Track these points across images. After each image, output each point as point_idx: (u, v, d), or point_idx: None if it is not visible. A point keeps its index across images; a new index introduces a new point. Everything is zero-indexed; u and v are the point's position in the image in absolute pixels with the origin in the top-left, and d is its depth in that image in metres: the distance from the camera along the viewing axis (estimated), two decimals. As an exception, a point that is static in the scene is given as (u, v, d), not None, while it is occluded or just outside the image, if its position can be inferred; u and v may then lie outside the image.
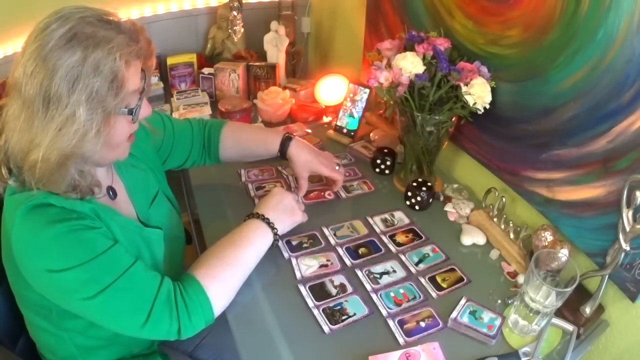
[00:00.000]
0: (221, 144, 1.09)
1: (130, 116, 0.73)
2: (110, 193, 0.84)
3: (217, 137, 1.09)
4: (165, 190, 1.02)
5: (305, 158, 1.08)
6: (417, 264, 0.97)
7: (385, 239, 1.04)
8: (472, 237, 1.04)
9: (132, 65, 0.69)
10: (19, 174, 0.70)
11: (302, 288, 0.90)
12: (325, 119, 1.55)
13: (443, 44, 1.06)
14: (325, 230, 1.05)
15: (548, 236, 0.91)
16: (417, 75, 1.03)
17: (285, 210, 0.95)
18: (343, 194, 1.18)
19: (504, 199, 1.03)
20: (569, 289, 0.76)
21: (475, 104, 1.00)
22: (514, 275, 0.97)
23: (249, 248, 0.86)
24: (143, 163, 0.95)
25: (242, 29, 1.78)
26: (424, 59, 1.05)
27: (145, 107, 0.77)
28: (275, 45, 1.66)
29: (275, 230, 0.91)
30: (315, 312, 0.85)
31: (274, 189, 0.97)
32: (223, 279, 0.79)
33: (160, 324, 0.72)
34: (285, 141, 1.08)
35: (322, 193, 1.17)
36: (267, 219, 0.91)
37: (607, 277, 0.83)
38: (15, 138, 0.67)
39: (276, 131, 1.15)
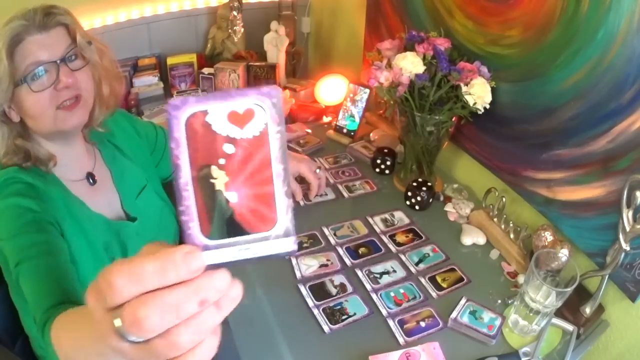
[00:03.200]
0: None
1: (26, 85, 0.75)
2: (90, 180, 0.87)
3: None
4: (156, 187, 1.04)
5: (296, 158, 1.09)
6: (417, 264, 0.97)
7: (385, 239, 1.04)
8: (472, 237, 1.04)
9: (26, 41, 0.74)
10: None
11: (302, 288, 0.90)
12: (325, 119, 1.55)
13: (443, 44, 1.06)
14: (325, 230, 1.05)
15: (548, 236, 0.91)
16: (417, 75, 1.03)
17: None
18: (346, 194, 1.18)
19: (504, 199, 1.03)
20: (569, 289, 0.76)
21: (475, 104, 1.00)
22: (514, 275, 0.97)
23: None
24: (131, 159, 0.98)
25: (242, 29, 1.78)
26: (424, 59, 1.05)
27: (65, 74, 0.77)
28: (275, 45, 1.66)
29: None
30: (315, 311, 0.85)
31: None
32: None
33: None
34: None
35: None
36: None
37: (607, 277, 0.83)
38: None
39: None
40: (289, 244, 0.32)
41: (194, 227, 0.31)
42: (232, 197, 0.31)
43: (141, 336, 0.29)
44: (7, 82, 0.73)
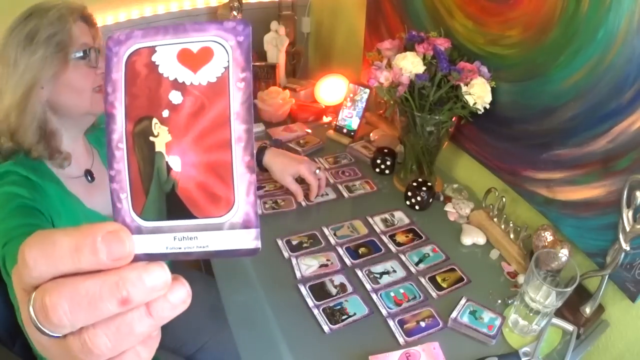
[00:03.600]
0: None
1: (87, 59, 0.84)
2: (88, 177, 0.90)
3: None
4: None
5: (282, 161, 1.08)
6: (417, 264, 0.97)
7: (385, 239, 1.04)
8: (472, 237, 1.04)
9: (77, 23, 0.84)
10: (6, 150, 0.80)
11: (302, 288, 0.90)
12: (325, 119, 1.55)
13: (443, 44, 1.06)
14: (325, 230, 1.05)
15: (548, 236, 0.91)
16: (417, 75, 1.03)
17: None
18: (346, 194, 1.18)
19: (504, 199, 1.03)
20: (569, 289, 0.76)
21: (475, 104, 1.00)
22: (514, 275, 0.97)
23: None
24: None
25: (242, 29, 1.78)
26: (424, 59, 1.05)
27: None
28: (275, 45, 1.66)
29: None
30: (315, 311, 0.85)
31: None
32: None
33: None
34: (260, 150, 1.08)
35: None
36: None
37: (607, 277, 0.82)
38: None
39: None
40: (249, 239, 0.24)
41: (124, 200, 0.25)
42: (175, 163, 0.24)
43: (51, 329, 0.23)
44: (62, 49, 0.80)
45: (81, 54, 0.84)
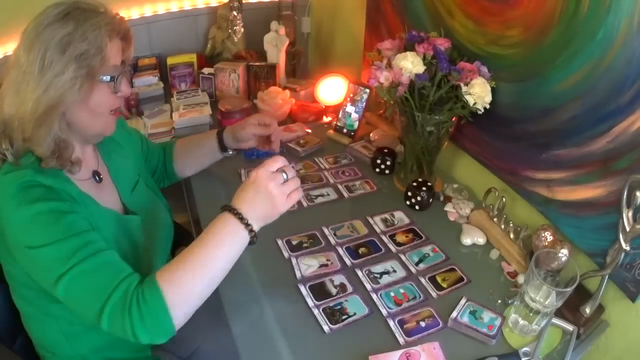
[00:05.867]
0: (174, 153, 1.17)
1: (112, 84, 0.81)
2: (96, 177, 0.88)
3: (171, 149, 1.17)
4: (148, 182, 1.06)
5: (240, 124, 1.13)
6: (417, 264, 0.97)
7: (385, 239, 1.04)
8: (472, 237, 1.04)
9: (114, 41, 0.80)
10: (17, 149, 0.76)
11: (302, 288, 0.90)
12: (325, 119, 1.55)
13: (443, 44, 1.06)
14: (325, 230, 1.05)
15: (548, 236, 0.91)
16: (417, 75, 1.03)
17: (263, 203, 0.76)
18: (346, 194, 1.18)
19: (504, 199, 1.03)
20: (569, 289, 0.76)
21: (475, 104, 1.00)
22: (514, 275, 0.97)
23: (217, 251, 0.74)
24: (127, 152, 1.01)
25: (242, 29, 1.78)
26: (424, 59, 1.05)
27: (126, 84, 0.85)
28: (275, 45, 1.66)
29: (250, 227, 0.75)
30: (315, 311, 0.85)
31: (252, 174, 0.78)
32: (184, 284, 0.71)
33: (114, 319, 0.70)
34: (220, 131, 1.15)
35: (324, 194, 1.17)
36: (240, 213, 0.75)
37: (607, 277, 0.83)
38: (9, 101, 0.75)
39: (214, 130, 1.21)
40: None
41: None
42: None
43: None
44: (93, 73, 0.76)
45: (108, 79, 0.80)
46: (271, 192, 0.75)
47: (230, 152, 1.16)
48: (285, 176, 0.77)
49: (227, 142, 1.14)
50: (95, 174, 0.89)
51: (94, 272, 0.71)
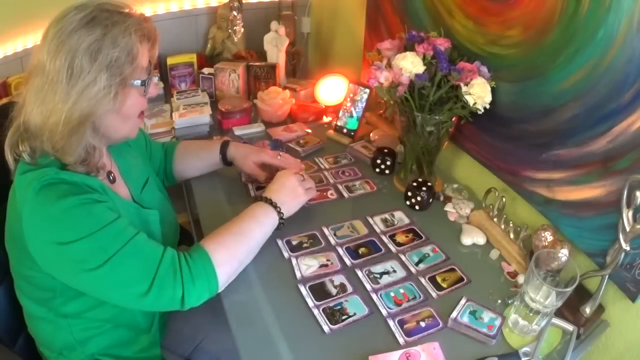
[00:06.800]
0: (175, 156, 1.17)
1: (143, 88, 0.80)
2: (110, 177, 0.88)
3: (172, 153, 1.17)
4: (156, 180, 1.07)
5: (245, 151, 1.13)
6: (417, 264, 0.97)
7: (385, 239, 1.04)
8: (472, 237, 1.04)
9: (143, 44, 0.78)
10: (33, 150, 0.74)
11: (302, 288, 0.90)
12: (325, 119, 1.55)
13: (443, 44, 1.06)
14: (325, 230, 1.05)
15: (548, 236, 0.91)
16: (417, 75, 1.03)
17: (289, 193, 0.97)
18: (346, 194, 1.18)
19: (504, 199, 1.03)
20: (569, 289, 0.76)
21: (475, 104, 1.00)
22: (514, 275, 0.97)
23: (253, 224, 0.89)
24: (135, 152, 1.01)
25: (242, 29, 1.78)
26: (424, 59, 1.05)
27: (153, 86, 0.85)
28: (275, 45, 1.66)
29: (279, 209, 0.94)
30: (315, 312, 0.85)
31: (279, 173, 1.01)
32: (228, 246, 0.83)
33: (163, 290, 0.73)
34: (224, 144, 1.14)
35: (325, 193, 1.17)
36: (270, 199, 0.94)
37: (607, 277, 0.83)
38: (36, 110, 0.72)
39: (218, 140, 1.21)
40: None
41: None
42: None
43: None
44: (125, 80, 0.75)
45: (139, 83, 0.79)
46: (294, 184, 0.98)
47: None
48: (302, 177, 1.02)
49: (231, 152, 1.14)
50: (109, 174, 0.88)
51: (134, 255, 0.73)
